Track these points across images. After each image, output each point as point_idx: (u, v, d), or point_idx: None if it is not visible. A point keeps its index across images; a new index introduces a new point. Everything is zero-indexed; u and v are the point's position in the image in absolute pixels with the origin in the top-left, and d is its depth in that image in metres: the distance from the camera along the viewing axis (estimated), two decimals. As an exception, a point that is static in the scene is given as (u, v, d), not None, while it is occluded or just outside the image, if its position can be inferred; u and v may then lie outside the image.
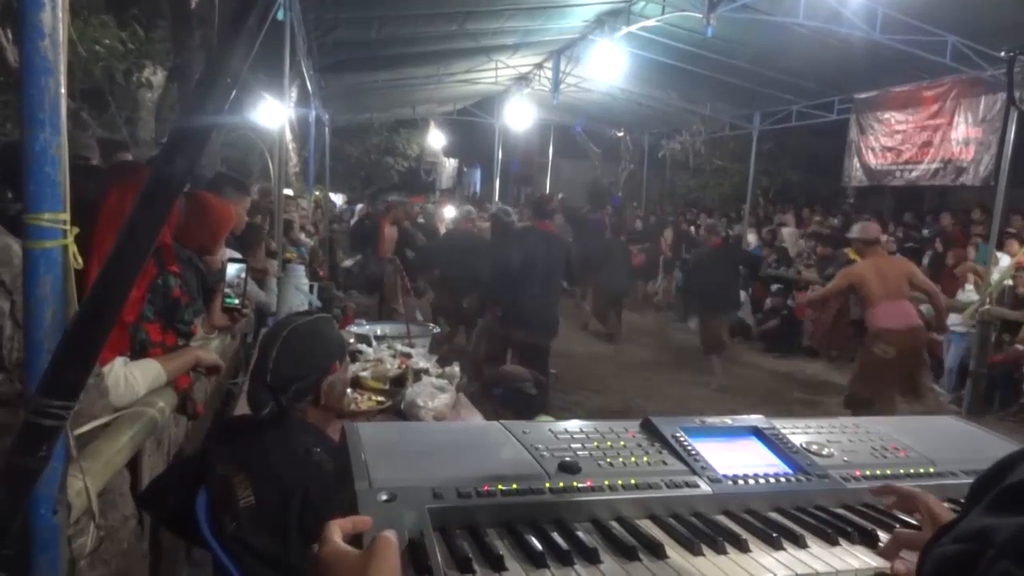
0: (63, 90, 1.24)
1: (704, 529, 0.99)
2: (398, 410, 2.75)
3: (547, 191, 17.97)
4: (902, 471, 1.18)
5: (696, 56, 8.89)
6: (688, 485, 1.07)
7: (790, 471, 1.14)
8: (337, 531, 0.80)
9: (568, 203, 13.66)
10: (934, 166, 8.92)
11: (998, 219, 7.35)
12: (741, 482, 1.10)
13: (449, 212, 13.23)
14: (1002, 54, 6.85)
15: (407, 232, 9.26)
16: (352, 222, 13.15)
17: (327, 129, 12.91)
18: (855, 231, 6.12)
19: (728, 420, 1.28)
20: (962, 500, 1.13)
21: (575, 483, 1.02)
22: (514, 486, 0.98)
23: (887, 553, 0.94)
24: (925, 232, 10.56)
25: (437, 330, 4.24)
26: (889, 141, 9.60)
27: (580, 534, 0.93)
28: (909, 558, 0.92)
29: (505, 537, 0.92)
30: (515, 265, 5.26)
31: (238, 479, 1.64)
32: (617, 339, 9.62)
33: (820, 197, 14.31)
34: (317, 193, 13.13)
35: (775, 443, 1.21)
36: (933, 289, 5.90)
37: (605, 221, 12.13)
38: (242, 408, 2.07)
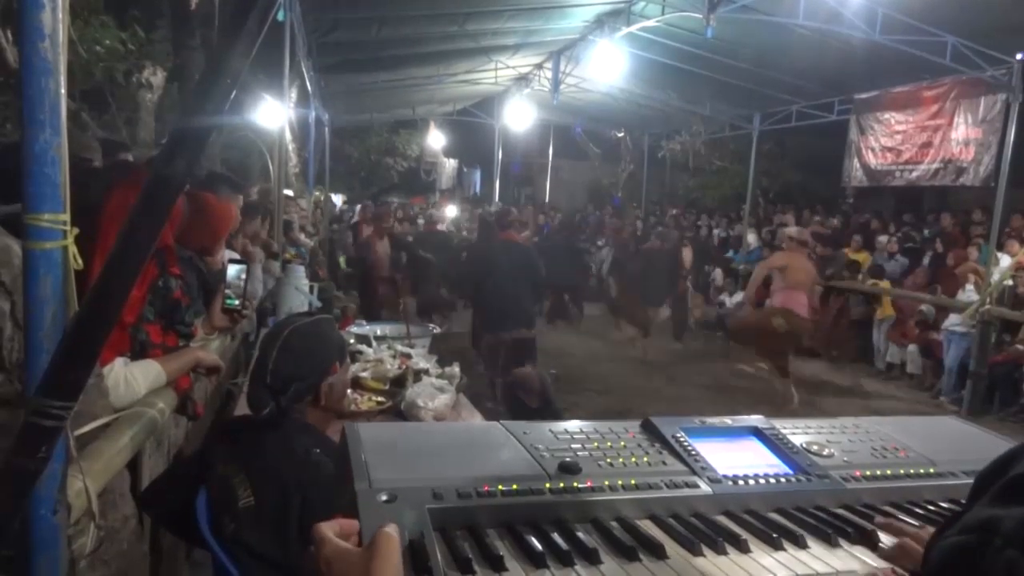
0: (63, 91, 1.24)
1: (704, 529, 0.99)
2: (398, 410, 2.76)
3: (547, 192, 18.01)
4: (902, 471, 1.18)
5: (696, 56, 8.89)
6: (688, 485, 1.07)
7: (790, 471, 1.14)
8: (330, 531, 0.79)
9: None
10: (934, 166, 8.91)
11: (998, 219, 7.35)
12: (741, 482, 1.10)
13: (451, 212, 13.26)
14: (1018, 56, 6.87)
15: (400, 242, 9.12)
16: (352, 221, 13.09)
17: (327, 129, 12.91)
18: (793, 231, 7.69)
19: (728, 420, 1.28)
20: (963, 501, 1.13)
21: (575, 483, 1.02)
22: (514, 486, 0.98)
23: (890, 556, 0.94)
24: (926, 232, 10.56)
25: (437, 330, 4.24)
26: (889, 141, 9.60)
27: (580, 534, 0.93)
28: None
29: (505, 537, 0.92)
30: (485, 272, 6.18)
31: (238, 480, 1.64)
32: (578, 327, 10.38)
33: (820, 198, 14.31)
34: (317, 193, 13.14)
35: (775, 443, 1.21)
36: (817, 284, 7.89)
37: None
38: (242, 409, 2.07)
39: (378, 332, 3.83)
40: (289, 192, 10.27)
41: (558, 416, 2.66)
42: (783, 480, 1.12)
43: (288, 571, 1.51)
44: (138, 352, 2.11)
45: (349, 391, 2.67)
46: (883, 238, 10.37)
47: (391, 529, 0.76)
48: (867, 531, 1.00)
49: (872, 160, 9.94)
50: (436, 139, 18.34)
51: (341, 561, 0.75)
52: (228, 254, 3.22)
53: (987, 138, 8.07)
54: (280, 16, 5.58)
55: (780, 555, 0.96)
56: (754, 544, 0.97)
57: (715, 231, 14.24)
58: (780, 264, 7.00)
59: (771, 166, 15.29)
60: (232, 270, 2.63)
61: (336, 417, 1.94)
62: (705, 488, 1.07)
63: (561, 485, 1.01)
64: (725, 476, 1.10)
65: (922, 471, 1.19)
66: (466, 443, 1.12)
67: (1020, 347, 7.09)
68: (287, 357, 1.79)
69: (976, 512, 0.56)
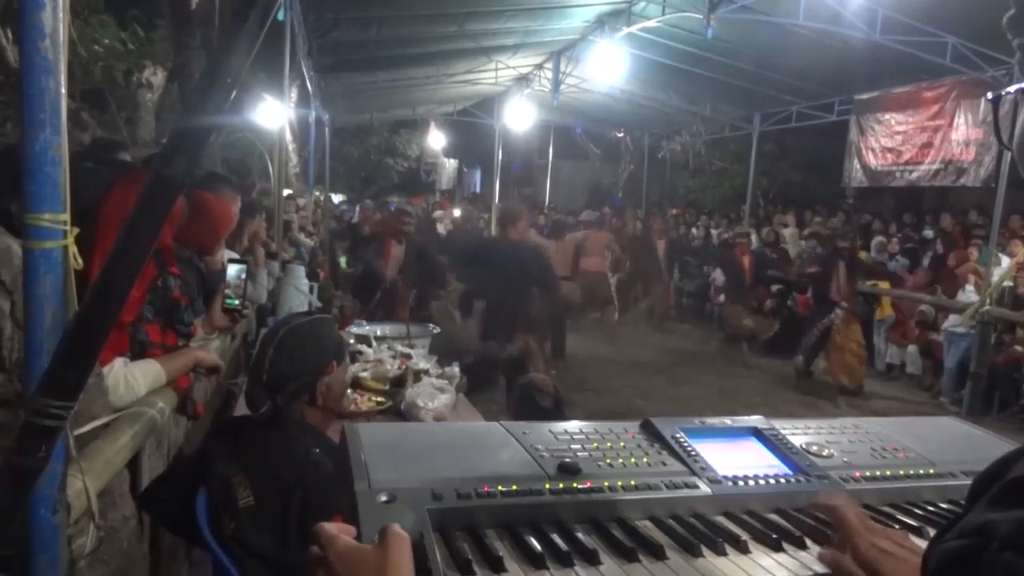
0: (63, 90, 1.24)
1: (704, 530, 0.99)
2: (398, 411, 2.76)
3: (547, 192, 18.02)
4: (902, 472, 1.18)
5: (696, 57, 8.89)
6: (688, 486, 1.07)
7: (790, 472, 1.14)
8: (336, 529, 0.79)
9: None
10: (935, 167, 8.91)
11: (998, 220, 7.34)
12: (741, 483, 1.10)
13: (455, 213, 13.27)
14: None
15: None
16: (357, 222, 12.81)
17: (327, 129, 12.90)
18: (583, 215, 11.03)
19: (728, 421, 1.28)
20: (962, 501, 1.13)
21: (575, 484, 1.02)
22: (514, 487, 0.98)
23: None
24: (926, 233, 10.54)
25: (437, 330, 4.23)
26: (889, 142, 9.59)
27: (580, 535, 0.93)
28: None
29: (505, 538, 0.92)
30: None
31: (238, 479, 1.64)
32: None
33: (820, 198, 14.28)
34: (317, 193, 13.12)
35: (775, 444, 1.21)
36: (619, 253, 9.85)
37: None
38: (242, 408, 2.07)
39: (378, 332, 3.83)
40: (288, 191, 10.28)
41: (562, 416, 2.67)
42: (782, 481, 1.12)
43: (288, 571, 1.51)
44: (137, 352, 2.11)
45: (349, 391, 2.68)
46: (882, 238, 10.37)
47: (398, 527, 0.76)
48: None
49: (872, 161, 9.93)
50: (436, 139, 18.33)
51: (354, 558, 0.75)
52: (228, 254, 3.22)
53: (987, 139, 8.05)
54: (280, 16, 5.57)
55: (780, 556, 0.96)
56: (753, 545, 0.97)
57: (715, 231, 14.22)
58: (579, 240, 9.14)
59: (771, 166, 15.26)
60: (232, 270, 2.63)
61: (336, 417, 1.94)
62: (705, 489, 1.07)
63: (561, 486, 1.01)
64: (725, 477, 1.10)
65: (922, 472, 1.19)
66: (466, 443, 1.12)
67: (1020, 348, 7.08)
68: (283, 356, 1.80)
69: (974, 516, 0.56)
